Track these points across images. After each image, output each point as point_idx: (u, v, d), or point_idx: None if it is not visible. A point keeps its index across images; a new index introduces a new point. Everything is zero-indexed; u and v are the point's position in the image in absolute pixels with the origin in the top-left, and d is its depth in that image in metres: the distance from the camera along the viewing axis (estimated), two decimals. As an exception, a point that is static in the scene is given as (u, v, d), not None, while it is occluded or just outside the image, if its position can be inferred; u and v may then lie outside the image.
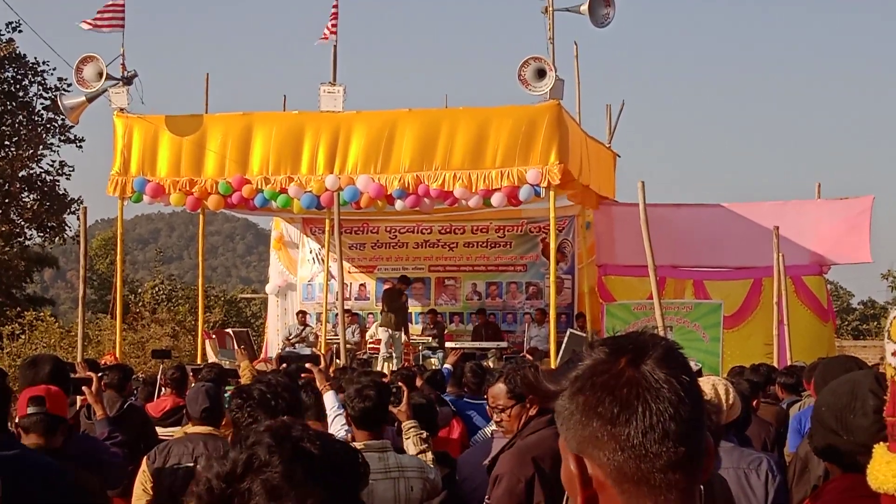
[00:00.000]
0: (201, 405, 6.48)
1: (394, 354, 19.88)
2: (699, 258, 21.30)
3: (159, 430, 8.97)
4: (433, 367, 15.29)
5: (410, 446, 5.97)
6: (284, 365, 10.49)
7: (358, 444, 5.46)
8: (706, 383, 5.47)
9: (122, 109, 19.63)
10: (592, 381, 1.68)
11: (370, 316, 23.18)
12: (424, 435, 6.20)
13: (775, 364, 15.17)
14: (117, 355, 18.78)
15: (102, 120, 20.23)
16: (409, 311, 22.03)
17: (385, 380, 10.35)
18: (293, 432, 2.03)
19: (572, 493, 1.73)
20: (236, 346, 22.05)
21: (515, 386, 5.23)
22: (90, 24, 19.58)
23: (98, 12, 19.60)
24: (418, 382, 10.41)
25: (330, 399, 6.87)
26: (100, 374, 7.71)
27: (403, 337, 20.41)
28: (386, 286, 22.10)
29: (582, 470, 1.71)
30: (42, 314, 32.75)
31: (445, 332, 21.98)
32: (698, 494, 1.71)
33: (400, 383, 7.12)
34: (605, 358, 1.69)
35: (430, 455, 5.96)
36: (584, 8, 18.51)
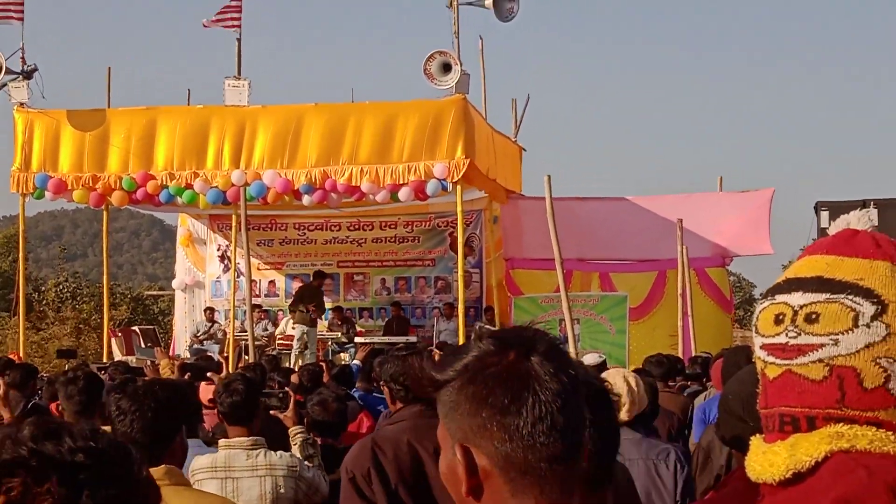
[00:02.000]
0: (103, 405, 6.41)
1: (308, 351, 19.80)
2: (605, 251, 21.51)
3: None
4: (342, 363, 15.31)
5: (297, 452, 5.87)
6: (188, 374, 10.32)
7: (225, 441, 5.41)
8: (616, 375, 5.49)
9: (22, 104, 19.28)
10: (483, 372, 1.69)
11: (280, 312, 23.06)
12: (311, 440, 6.15)
13: (680, 355, 15.39)
14: (21, 355, 18.46)
15: (2, 115, 19.89)
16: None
17: (293, 376, 10.35)
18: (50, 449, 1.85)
19: (454, 483, 1.74)
20: (156, 345, 21.91)
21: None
22: None
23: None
24: (325, 378, 10.41)
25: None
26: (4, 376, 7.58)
27: (316, 332, 20.33)
28: (298, 282, 21.97)
29: (468, 459, 1.71)
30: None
31: (356, 328, 21.94)
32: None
33: (287, 389, 7.04)
34: (494, 350, 1.70)
35: (316, 461, 5.87)
36: (489, 2, 18.60)
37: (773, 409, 1.82)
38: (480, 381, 1.69)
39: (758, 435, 1.87)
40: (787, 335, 1.79)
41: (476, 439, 1.70)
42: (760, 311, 1.87)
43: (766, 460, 1.79)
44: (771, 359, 1.82)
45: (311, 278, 21.40)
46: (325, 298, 22.51)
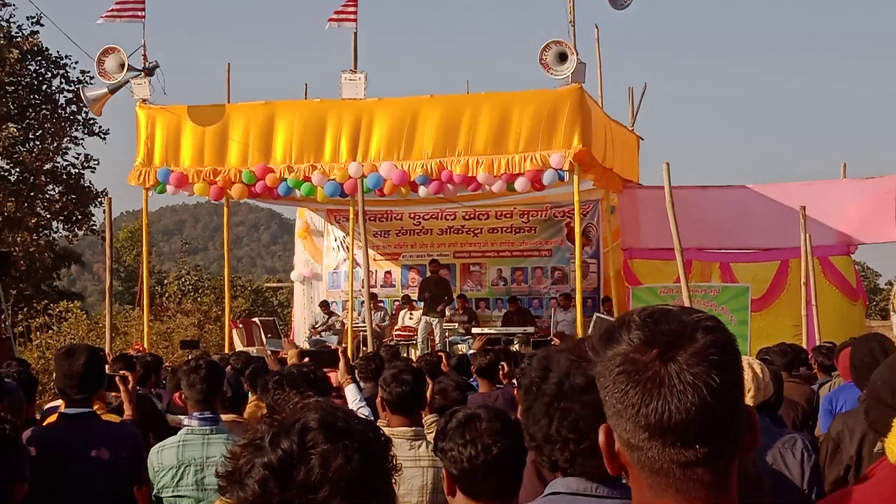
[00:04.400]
0: (224, 393, 6.49)
1: (436, 339, 19.87)
2: (725, 240, 21.20)
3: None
4: (460, 353, 15.32)
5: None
6: (307, 359, 10.49)
7: (388, 430, 5.44)
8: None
9: (144, 100, 19.69)
10: (623, 368, 1.68)
11: (396, 302, 23.17)
12: None
13: (804, 345, 15.12)
14: (145, 346, 18.88)
15: (125, 112, 20.31)
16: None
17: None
18: (340, 423, 2.01)
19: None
20: (276, 336, 22.24)
21: None
22: (108, 16, 19.64)
23: (116, 3, 19.65)
24: (444, 367, 10.42)
25: (351, 392, 6.87)
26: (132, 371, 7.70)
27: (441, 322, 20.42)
28: (414, 272, 22.06)
29: (609, 441, 1.73)
30: (72, 306, 32.95)
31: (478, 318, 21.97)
32: (729, 484, 1.69)
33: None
34: (639, 345, 1.67)
35: None
36: (604, -9, 18.45)
37: None
38: (622, 376, 1.68)
39: None
40: None
41: (618, 428, 1.70)
42: None
43: None
44: (905, 336, 1.75)
45: (428, 267, 21.45)
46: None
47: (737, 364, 1.70)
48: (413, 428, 5.49)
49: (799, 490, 5.19)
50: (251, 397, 8.70)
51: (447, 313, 21.11)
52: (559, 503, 2.69)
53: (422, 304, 20.77)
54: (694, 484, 1.65)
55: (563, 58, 17.41)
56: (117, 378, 6.52)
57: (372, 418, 5.89)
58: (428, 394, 6.18)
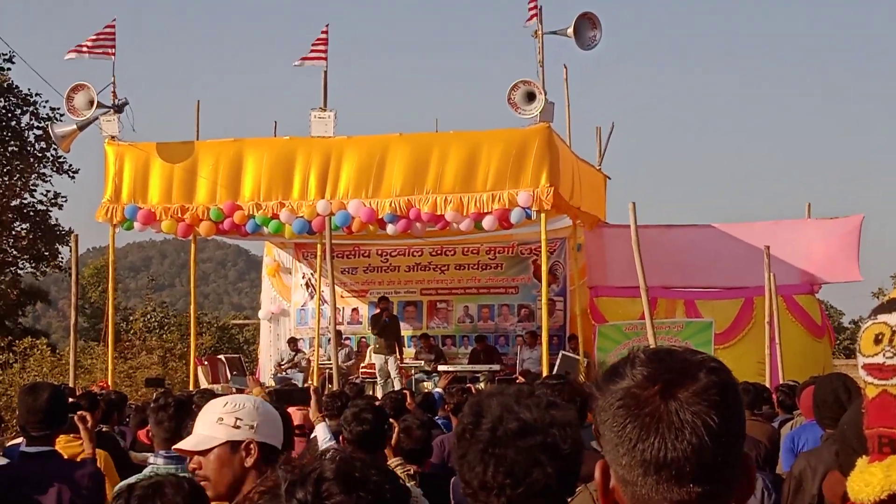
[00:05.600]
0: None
1: (390, 380, 19.83)
2: (690, 279, 21.31)
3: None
4: (426, 391, 15.30)
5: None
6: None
7: None
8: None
9: (113, 137, 19.61)
10: (623, 402, 1.68)
11: (363, 339, 23.15)
12: (411, 471, 6.18)
13: (767, 383, 15.19)
14: (109, 383, 18.74)
15: (94, 148, 20.27)
16: (402, 334, 22.04)
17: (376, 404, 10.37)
18: (357, 473, 2.02)
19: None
20: (241, 374, 22.14)
21: None
22: (77, 51, 19.60)
23: (88, 40, 19.64)
24: (409, 405, 10.42)
25: (322, 430, 6.88)
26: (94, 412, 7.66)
27: (396, 360, 20.34)
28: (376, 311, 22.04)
29: (605, 476, 1.74)
30: (38, 343, 32.72)
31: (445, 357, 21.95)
32: None
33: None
34: (641, 381, 1.68)
35: (417, 490, 5.94)
36: (570, 31, 18.58)
37: (872, 429, 1.80)
38: (621, 410, 1.69)
39: (864, 456, 1.84)
40: (884, 355, 1.76)
41: (614, 464, 1.71)
42: (863, 331, 1.84)
43: (863, 480, 1.77)
44: (870, 378, 1.80)
45: (378, 303, 21.38)
46: (408, 326, 22.58)
47: (738, 407, 1.71)
48: None
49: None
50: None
51: (407, 352, 21.16)
52: None
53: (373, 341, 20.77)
54: None
55: (531, 97, 17.52)
56: (76, 418, 6.50)
57: None
58: (394, 437, 6.19)
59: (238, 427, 3.77)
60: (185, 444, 3.90)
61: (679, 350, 1.76)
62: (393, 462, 6.11)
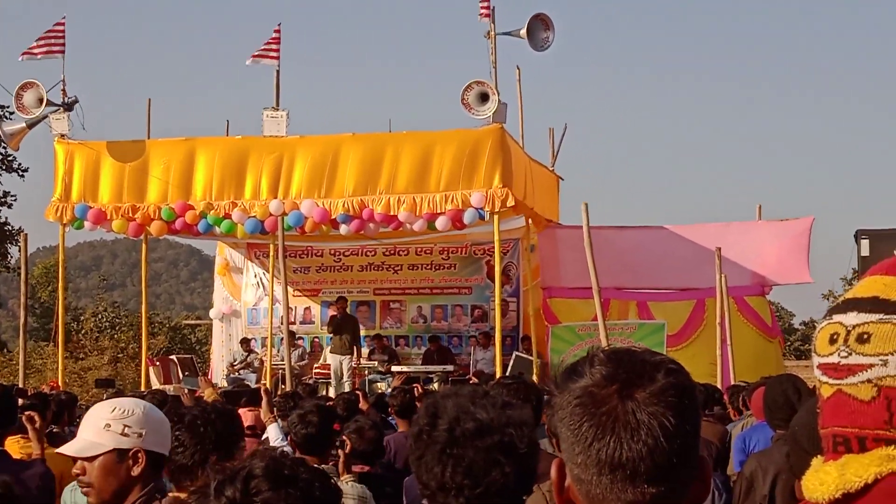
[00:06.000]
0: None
1: (345, 380, 19.79)
2: (643, 280, 21.41)
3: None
4: (379, 392, 15.28)
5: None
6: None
7: None
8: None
9: (63, 136, 19.45)
10: (581, 400, 1.67)
11: (315, 339, 23.08)
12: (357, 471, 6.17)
13: (718, 383, 15.29)
14: (59, 384, 18.57)
15: (44, 147, 20.09)
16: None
17: (329, 404, 10.34)
18: (286, 471, 2.01)
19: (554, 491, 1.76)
20: (194, 374, 22.01)
21: None
22: (29, 53, 19.44)
23: (36, 40, 19.46)
24: (363, 406, 10.40)
25: (273, 431, 6.84)
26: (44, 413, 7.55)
27: (350, 360, 20.31)
28: (333, 309, 21.97)
29: (561, 475, 1.73)
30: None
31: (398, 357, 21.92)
32: None
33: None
34: (599, 380, 1.68)
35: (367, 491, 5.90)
36: (523, 32, 18.62)
37: (827, 429, 1.80)
38: (578, 408, 1.68)
39: (818, 456, 1.84)
40: (839, 355, 1.76)
41: (569, 462, 1.70)
42: (819, 331, 1.85)
43: (818, 479, 1.77)
44: (825, 378, 1.80)
45: (336, 304, 21.30)
46: (361, 326, 22.53)
47: (694, 409, 1.70)
48: (321, 467, 5.47)
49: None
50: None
51: (366, 351, 21.09)
52: None
53: (330, 341, 20.67)
54: None
55: (484, 98, 17.54)
56: (24, 418, 6.43)
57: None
58: (341, 458, 6.11)
59: (126, 435, 3.69)
60: (67, 449, 3.82)
61: (639, 351, 1.75)
62: (346, 479, 6.04)
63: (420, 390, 14.28)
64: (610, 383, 1.67)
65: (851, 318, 1.78)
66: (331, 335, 20.74)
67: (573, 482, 1.71)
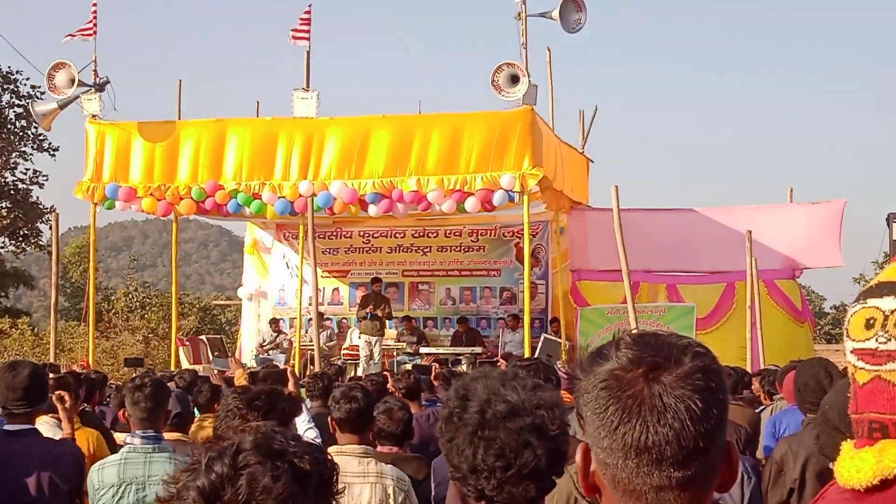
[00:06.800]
0: (173, 410, 6.45)
1: (373, 361, 19.83)
2: (673, 263, 21.30)
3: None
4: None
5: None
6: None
7: (336, 448, 5.45)
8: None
9: (94, 116, 19.55)
10: (606, 383, 1.67)
11: (343, 320, 23.13)
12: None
13: (748, 367, 15.22)
14: (90, 363, 18.69)
15: (75, 127, 20.18)
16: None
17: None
18: (276, 444, 2.02)
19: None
20: (223, 354, 22.10)
21: None
22: (73, 35, 19.53)
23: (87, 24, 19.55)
24: (391, 387, 10.40)
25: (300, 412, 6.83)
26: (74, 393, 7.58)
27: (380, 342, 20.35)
28: (362, 290, 21.96)
29: (586, 461, 1.73)
30: (21, 322, 32.62)
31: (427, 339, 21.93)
32: None
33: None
34: (626, 364, 1.67)
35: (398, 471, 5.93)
36: (556, 13, 18.54)
37: (862, 414, 1.78)
38: (604, 392, 1.67)
39: (849, 441, 1.82)
40: (877, 340, 1.74)
41: (595, 447, 1.70)
42: (852, 315, 1.82)
43: (854, 466, 1.75)
44: (861, 364, 1.77)
45: (372, 284, 21.37)
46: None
47: (722, 393, 1.68)
48: (362, 446, 5.51)
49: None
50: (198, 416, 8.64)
51: (394, 333, 21.11)
52: None
53: (359, 321, 20.66)
54: None
55: (514, 80, 17.48)
56: (54, 397, 6.46)
57: (319, 440, 5.87)
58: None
59: None
60: None
61: (665, 334, 1.74)
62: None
63: (438, 368, 14.37)
64: (636, 366, 1.66)
65: (889, 302, 1.75)
66: (360, 316, 20.67)
67: (598, 467, 1.70)
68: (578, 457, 1.73)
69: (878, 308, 1.76)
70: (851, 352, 1.81)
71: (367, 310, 20.06)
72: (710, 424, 1.64)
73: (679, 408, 1.62)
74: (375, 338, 20.06)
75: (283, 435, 2.09)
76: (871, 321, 1.76)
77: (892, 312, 1.74)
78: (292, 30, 19.42)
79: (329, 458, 2.13)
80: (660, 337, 1.72)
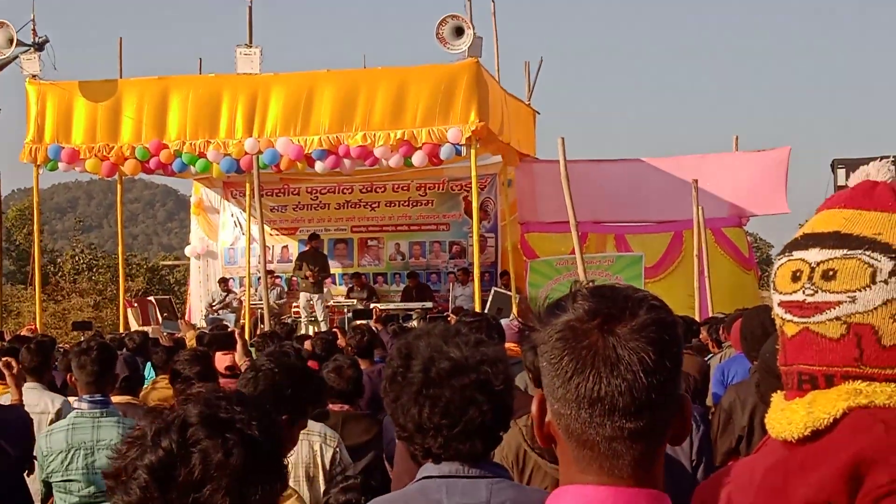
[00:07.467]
0: (121, 374, 6.43)
1: (318, 317, 19.87)
2: (620, 213, 21.40)
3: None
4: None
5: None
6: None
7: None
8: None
9: (34, 76, 19.29)
10: (562, 334, 1.67)
11: (293, 279, 23.11)
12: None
13: (696, 315, 15.36)
14: (38, 327, 18.52)
15: (15, 88, 19.89)
16: (333, 272, 22.11)
17: (307, 343, 10.36)
18: (222, 414, 2.00)
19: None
20: (172, 315, 21.99)
21: None
22: None
23: None
24: (342, 343, 10.41)
25: None
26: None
27: (321, 298, 20.38)
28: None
29: (541, 410, 1.74)
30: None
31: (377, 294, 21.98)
32: (654, 466, 1.69)
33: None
34: (582, 315, 1.68)
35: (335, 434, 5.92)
36: (499, -36, 18.46)
37: (791, 366, 1.79)
38: (559, 343, 1.68)
39: (779, 392, 1.84)
40: (804, 293, 1.75)
41: (549, 397, 1.71)
42: (778, 268, 1.83)
43: (785, 417, 1.77)
44: (789, 316, 1.79)
45: (307, 242, 21.38)
46: (338, 263, 22.54)
47: (676, 346, 1.70)
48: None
49: (688, 473, 5.26)
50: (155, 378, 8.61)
51: (339, 290, 21.16)
52: (430, 487, 2.70)
53: (300, 279, 20.70)
54: (617, 460, 1.65)
55: (459, 32, 17.41)
56: (0, 364, 6.41)
57: None
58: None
59: None
60: None
61: (622, 287, 1.75)
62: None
63: (378, 311, 14.35)
64: (592, 318, 1.67)
65: (814, 254, 1.76)
66: (294, 275, 20.76)
67: (553, 417, 1.72)
68: (534, 407, 1.74)
69: (804, 260, 1.78)
70: (779, 304, 1.82)
71: (311, 271, 20.14)
72: (664, 377, 1.65)
73: (633, 359, 1.63)
74: (317, 295, 20.11)
75: (227, 399, 2.07)
76: (798, 273, 1.77)
77: (819, 264, 1.75)
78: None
79: (276, 419, 2.12)
80: (616, 289, 1.73)
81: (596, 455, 1.66)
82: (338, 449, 5.41)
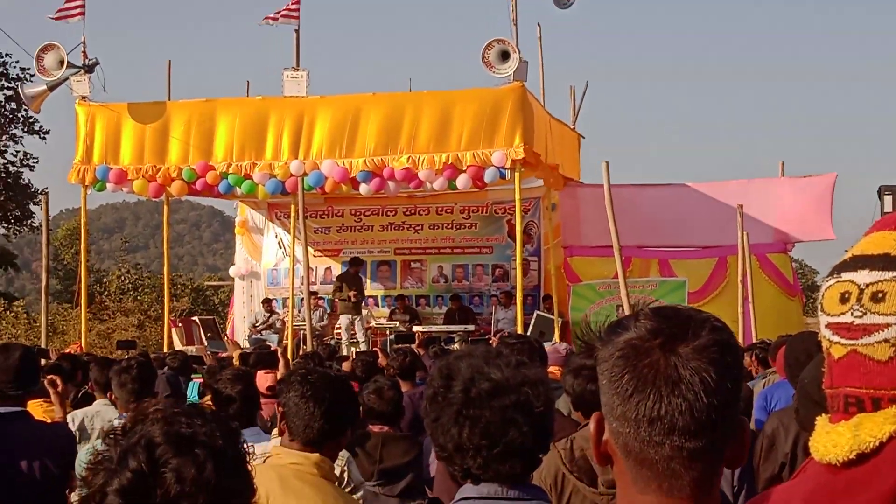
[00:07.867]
0: (163, 392, 6.47)
1: (359, 339, 19.89)
2: (664, 238, 21.31)
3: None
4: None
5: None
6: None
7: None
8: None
9: (84, 98, 19.50)
10: (623, 352, 1.68)
11: (335, 300, 23.15)
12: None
13: (740, 341, 15.25)
14: (83, 346, 18.69)
15: (65, 109, 20.10)
16: (375, 294, 22.16)
17: (345, 364, 10.37)
18: (184, 430, 1.98)
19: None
20: (216, 335, 22.11)
21: None
22: (59, 17, 19.42)
23: (65, 2, 19.42)
24: (381, 363, 10.42)
25: None
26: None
27: (362, 320, 20.42)
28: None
29: (598, 429, 1.74)
30: (16, 305, 32.57)
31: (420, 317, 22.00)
32: (713, 487, 1.70)
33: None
34: (644, 334, 1.68)
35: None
36: (547, -11, 18.49)
37: (838, 389, 1.77)
38: (619, 361, 1.68)
39: (823, 415, 1.82)
40: (852, 314, 1.73)
41: (608, 415, 1.71)
42: (826, 289, 1.81)
43: (830, 440, 1.75)
44: (836, 338, 1.77)
45: (349, 266, 21.43)
46: (380, 286, 22.57)
47: (737, 368, 1.70)
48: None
49: (728, 501, 5.21)
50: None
51: (381, 312, 21.20)
52: None
53: (339, 300, 20.75)
54: (676, 480, 1.66)
55: (505, 56, 17.44)
56: (46, 381, 6.45)
57: None
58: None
59: None
60: None
61: (685, 308, 1.76)
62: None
63: (421, 336, 14.30)
64: (654, 337, 1.67)
65: (863, 276, 1.75)
66: (334, 297, 20.86)
67: (611, 436, 1.72)
68: (592, 425, 1.75)
69: (852, 282, 1.76)
70: (826, 326, 1.80)
71: (350, 294, 20.22)
72: (724, 398, 1.66)
73: (693, 379, 1.63)
74: (356, 317, 20.16)
75: (185, 413, 2.05)
76: (846, 295, 1.76)
77: (868, 286, 1.73)
78: (279, 11, 19.35)
79: (235, 427, 2.11)
80: (679, 310, 1.74)
81: (655, 475, 1.66)
82: (346, 468, 5.40)
